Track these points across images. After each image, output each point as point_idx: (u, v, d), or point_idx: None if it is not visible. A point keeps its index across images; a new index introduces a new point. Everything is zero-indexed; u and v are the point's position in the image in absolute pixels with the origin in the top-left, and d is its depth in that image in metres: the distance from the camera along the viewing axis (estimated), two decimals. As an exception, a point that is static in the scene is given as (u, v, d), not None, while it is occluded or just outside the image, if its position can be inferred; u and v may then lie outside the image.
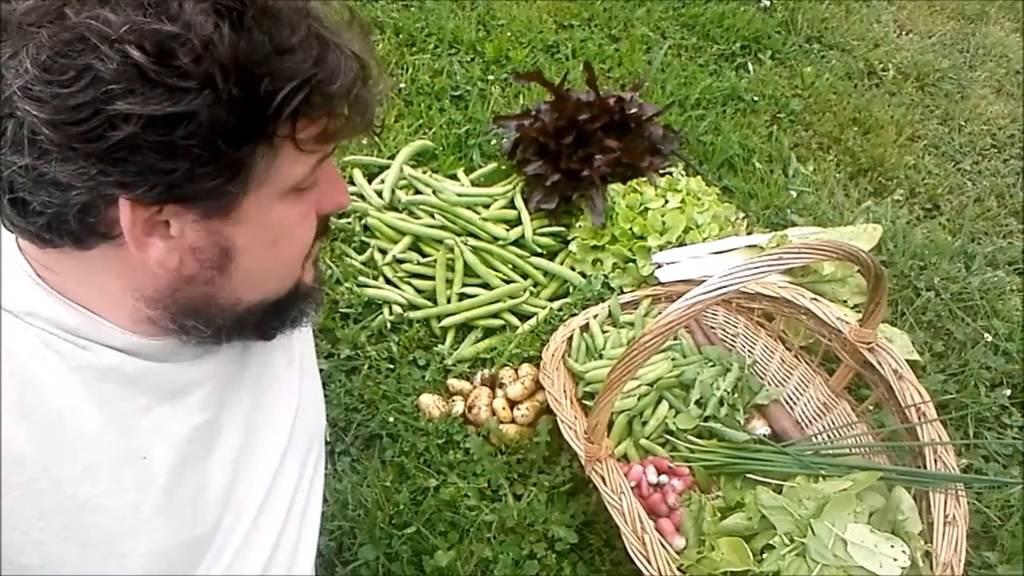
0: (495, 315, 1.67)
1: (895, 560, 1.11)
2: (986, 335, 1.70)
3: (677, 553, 1.22)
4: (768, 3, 2.76)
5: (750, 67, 2.51)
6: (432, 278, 1.71)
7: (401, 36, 2.46)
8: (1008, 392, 1.59)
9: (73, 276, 0.64)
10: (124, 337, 0.66)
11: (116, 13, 0.51)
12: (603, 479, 1.18)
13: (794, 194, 2.03)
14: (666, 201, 1.79)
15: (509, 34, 2.48)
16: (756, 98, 2.35)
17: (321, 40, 0.58)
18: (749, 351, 1.61)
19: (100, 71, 0.51)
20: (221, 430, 0.78)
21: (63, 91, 0.51)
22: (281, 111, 0.56)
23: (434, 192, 1.84)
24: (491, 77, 2.33)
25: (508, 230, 1.79)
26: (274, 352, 0.84)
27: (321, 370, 1.50)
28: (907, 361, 1.37)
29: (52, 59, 0.51)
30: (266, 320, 0.73)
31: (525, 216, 1.82)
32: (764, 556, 1.16)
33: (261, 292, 0.70)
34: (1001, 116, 2.41)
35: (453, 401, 1.52)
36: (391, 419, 1.46)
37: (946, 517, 1.16)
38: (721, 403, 1.45)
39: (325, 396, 1.46)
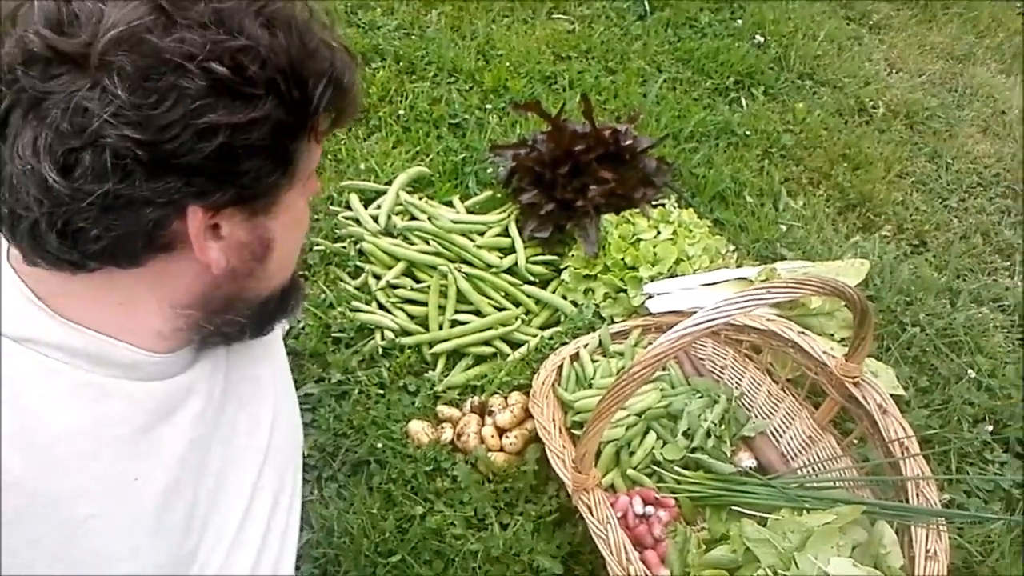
0: (486, 342, 1.69)
1: (876, 595, 1.13)
2: (970, 371, 1.72)
3: (661, 585, 1.23)
4: (762, 39, 2.81)
5: (743, 102, 2.55)
6: (425, 304, 1.73)
7: (401, 64, 2.49)
8: (990, 428, 1.61)
9: (84, 298, 0.65)
10: (132, 355, 0.68)
11: (193, 34, 0.56)
12: (590, 509, 1.19)
13: (784, 228, 2.06)
14: (658, 232, 1.82)
15: (508, 64, 2.53)
16: (748, 132, 2.39)
17: (324, 41, 0.64)
18: (737, 383, 1.62)
19: (187, 89, 0.55)
20: (211, 447, 0.79)
21: (153, 112, 0.55)
22: (320, 106, 0.63)
23: (429, 219, 1.87)
24: (489, 106, 2.36)
25: (502, 258, 1.82)
26: (251, 365, 0.85)
27: (311, 394, 1.52)
28: (892, 396, 1.39)
29: (138, 83, 0.55)
30: (274, 310, 0.79)
31: (519, 244, 1.84)
32: (747, 589, 1.17)
33: (280, 278, 0.76)
34: (987, 155, 2.46)
35: (442, 428, 1.53)
36: (379, 445, 1.47)
37: (927, 552, 1.17)
38: (708, 435, 1.46)
39: (314, 421, 1.48)
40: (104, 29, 0.54)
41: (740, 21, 2.91)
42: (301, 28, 0.62)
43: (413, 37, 2.62)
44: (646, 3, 2.92)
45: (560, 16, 2.87)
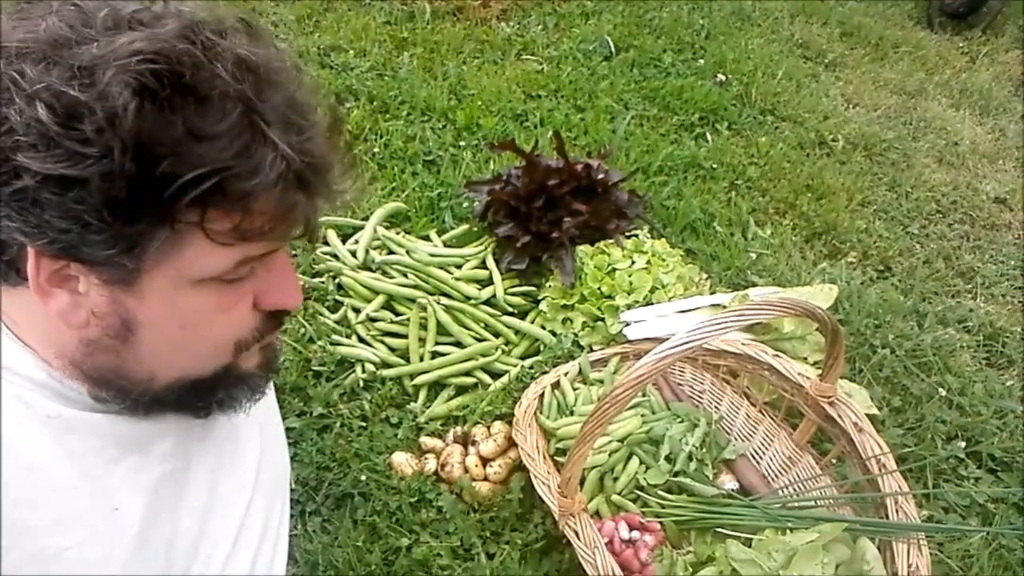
0: (467, 373, 1.69)
1: (863, 609, 1.14)
2: (940, 390, 1.77)
3: (651, 608, 1.22)
4: (724, 78, 2.92)
5: (708, 137, 2.63)
6: (405, 336, 1.73)
7: (375, 103, 2.54)
8: (963, 444, 1.65)
9: (21, 321, 0.64)
10: (79, 395, 0.66)
11: (39, 71, 0.53)
12: (577, 534, 1.19)
13: (753, 256, 2.11)
14: (633, 262, 1.85)
15: (479, 103, 2.58)
16: (715, 166, 2.46)
17: (255, 133, 0.56)
18: (716, 407, 1.65)
19: (13, 121, 0.53)
20: (189, 478, 0.78)
21: None
22: (181, 196, 0.54)
23: (407, 252, 1.88)
24: (462, 143, 2.41)
25: (480, 290, 1.83)
26: None
27: (293, 428, 1.51)
28: (867, 415, 1.42)
29: None
30: (187, 399, 0.71)
31: (496, 276, 1.86)
32: (736, 609, 1.17)
33: (176, 369, 0.68)
34: (944, 184, 2.56)
35: (426, 459, 1.52)
36: (363, 478, 1.46)
37: (910, 567, 1.19)
38: (690, 458, 1.47)
39: (297, 455, 1.47)
40: None
41: (702, 61, 3.02)
42: (201, 106, 0.54)
43: (386, 78, 2.68)
44: (611, 44, 3.02)
45: (529, 57, 2.95)
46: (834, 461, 1.48)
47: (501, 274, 1.87)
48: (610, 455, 1.48)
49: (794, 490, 1.49)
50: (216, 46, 0.56)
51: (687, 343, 1.05)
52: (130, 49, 0.53)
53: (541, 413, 1.57)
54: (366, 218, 2.01)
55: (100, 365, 0.65)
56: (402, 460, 1.50)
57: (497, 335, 1.78)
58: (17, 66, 0.53)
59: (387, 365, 1.69)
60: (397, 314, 1.79)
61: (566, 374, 1.63)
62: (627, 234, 1.97)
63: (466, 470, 1.49)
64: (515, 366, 1.71)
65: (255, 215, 0.58)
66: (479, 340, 1.75)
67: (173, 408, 0.71)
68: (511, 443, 1.52)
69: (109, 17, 0.56)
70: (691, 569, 1.31)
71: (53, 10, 0.56)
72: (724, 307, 1.78)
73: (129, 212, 0.55)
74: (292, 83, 0.61)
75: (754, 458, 1.56)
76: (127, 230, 0.56)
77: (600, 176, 2.00)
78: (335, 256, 1.91)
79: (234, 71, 0.56)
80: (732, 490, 1.47)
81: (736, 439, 1.59)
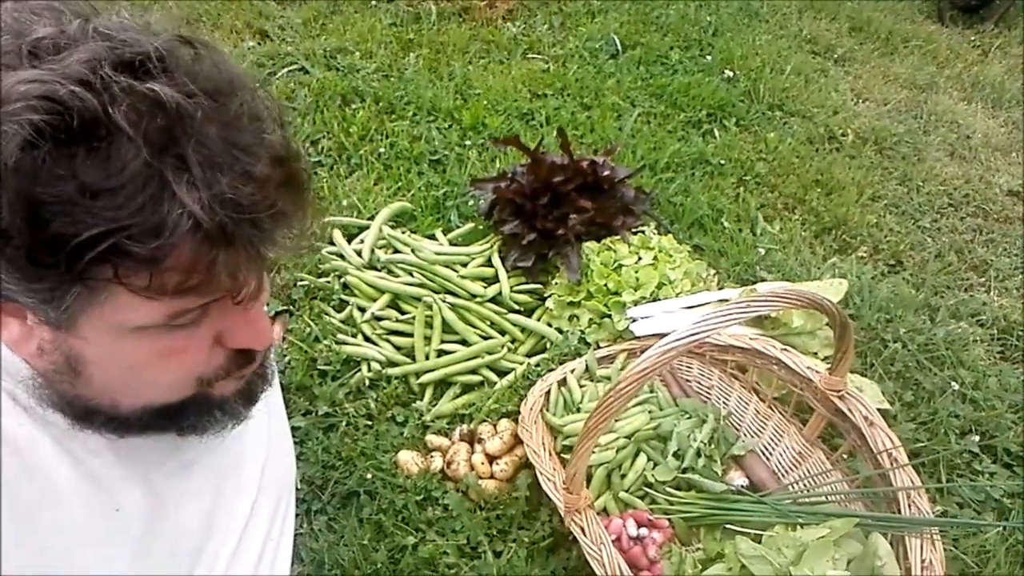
0: (473, 371, 1.68)
1: (875, 605, 1.12)
2: (953, 384, 1.74)
3: (659, 605, 1.21)
4: (731, 74, 2.90)
5: (716, 133, 2.61)
6: (410, 335, 1.73)
7: (381, 104, 2.54)
8: (977, 439, 1.62)
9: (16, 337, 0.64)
10: None
11: None
12: (583, 530, 1.18)
13: (762, 251, 2.09)
14: (639, 258, 1.84)
15: (485, 102, 2.58)
16: (723, 162, 2.44)
17: (161, 184, 0.49)
18: (724, 402, 1.63)
19: None
20: (194, 478, 0.78)
21: None
22: (81, 256, 0.49)
23: (413, 251, 1.88)
24: (468, 142, 2.40)
25: (486, 287, 1.82)
26: None
27: (299, 427, 1.51)
28: (878, 410, 1.39)
29: None
30: (158, 423, 0.68)
31: (502, 274, 1.85)
32: (745, 605, 1.16)
33: (138, 400, 0.65)
34: (955, 177, 2.53)
35: (432, 457, 1.51)
36: (369, 476, 1.45)
37: (923, 562, 1.17)
38: (698, 454, 1.46)
39: (302, 454, 1.47)
40: None
41: (709, 57, 3.00)
42: (96, 158, 0.48)
43: (392, 79, 2.68)
44: (617, 42, 3.01)
45: (535, 56, 2.95)
46: (845, 456, 1.46)
47: (507, 272, 1.86)
48: (617, 452, 1.47)
49: (804, 486, 1.46)
50: (116, 84, 0.49)
51: (692, 336, 1.04)
52: (16, 93, 0.47)
53: (547, 410, 1.56)
54: (372, 217, 2.01)
55: (60, 392, 0.63)
56: (408, 458, 1.49)
57: (503, 333, 1.77)
58: None
59: (393, 364, 1.68)
60: (403, 313, 1.78)
61: (573, 371, 1.62)
62: (634, 230, 1.96)
63: (472, 468, 1.48)
64: (521, 364, 1.70)
65: (167, 273, 0.52)
66: (485, 338, 1.74)
67: (144, 431, 0.68)
68: (517, 441, 1.51)
69: (11, 45, 0.50)
70: (700, 566, 1.29)
71: None
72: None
73: (30, 270, 0.51)
74: (227, 115, 0.53)
75: (764, 454, 1.54)
76: (35, 287, 0.52)
77: (606, 173, 1.98)
78: (341, 255, 1.90)
79: (138, 113, 0.49)
80: (742, 486, 1.45)
81: (745, 435, 1.57)
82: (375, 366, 1.66)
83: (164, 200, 0.49)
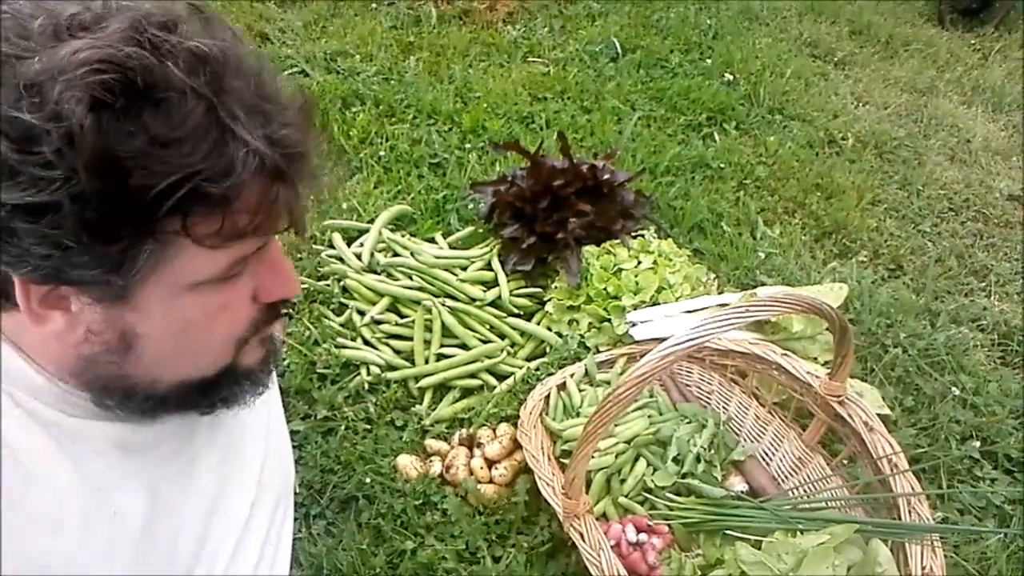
0: (473, 375, 1.68)
1: (875, 612, 1.11)
2: (954, 389, 1.73)
3: (658, 611, 1.20)
4: (731, 78, 2.90)
5: (716, 137, 2.61)
6: (410, 339, 1.73)
7: (381, 107, 2.54)
8: (978, 444, 1.62)
9: (23, 336, 0.64)
10: (75, 399, 0.66)
11: None
12: (582, 535, 1.17)
13: (762, 256, 2.09)
14: (639, 262, 1.84)
15: (485, 106, 2.58)
16: (723, 165, 2.44)
17: (222, 130, 0.53)
18: (724, 407, 1.62)
19: None
20: (192, 482, 0.78)
21: None
22: (158, 207, 0.52)
23: (412, 254, 1.88)
24: (468, 146, 2.40)
25: (485, 291, 1.82)
26: None
27: (297, 431, 1.50)
28: (879, 416, 1.39)
29: None
30: (193, 399, 0.70)
31: (502, 277, 1.85)
32: (745, 612, 1.15)
33: (180, 373, 0.67)
34: (956, 181, 2.52)
35: (431, 461, 1.51)
36: (368, 480, 1.45)
37: (924, 569, 1.16)
38: (698, 460, 1.45)
39: (301, 458, 1.46)
40: None
41: (709, 61, 3.00)
42: (160, 111, 0.51)
43: (392, 82, 2.68)
44: (618, 46, 3.01)
45: (535, 60, 2.95)
46: (845, 462, 1.46)
47: (506, 275, 1.86)
48: (617, 456, 1.47)
49: (804, 491, 1.46)
50: (165, 43, 0.52)
51: (692, 340, 1.03)
52: (75, 60, 0.49)
53: (547, 415, 1.55)
54: (371, 221, 2.01)
55: (102, 375, 0.64)
56: (407, 463, 1.48)
57: (503, 337, 1.77)
58: None
59: (392, 368, 1.68)
60: (402, 316, 1.78)
61: (572, 375, 1.62)
62: (633, 234, 1.96)
63: (471, 472, 1.48)
64: (521, 368, 1.70)
65: (237, 214, 0.56)
66: (484, 342, 1.74)
67: (177, 409, 0.70)
68: (517, 445, 1.51)
69: (47, 25, 0.52)
70: (700, 572, 1.29)
71: None
72: (732, 307, 1.76)
73: (107, 231, 0.53)
74: (256, 69, 0.57)
75: (764, 459, 1.54)
76: (109, 249, 0.54)
77: (606, 176, 1.98)
78: (340, 259, 1.90)
79: (189, 67, 0.52)
80: (741, 492, 1.44)
81: (745, 440, 1.57)
82: (374, 370, 1.66)
83: (228, 142, 0.53)
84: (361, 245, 1.93)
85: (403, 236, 1.97)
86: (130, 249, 0.54)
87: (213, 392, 0.71)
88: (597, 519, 1.36)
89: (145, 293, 0.58)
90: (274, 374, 0.82)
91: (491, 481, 1.48)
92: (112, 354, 0.62)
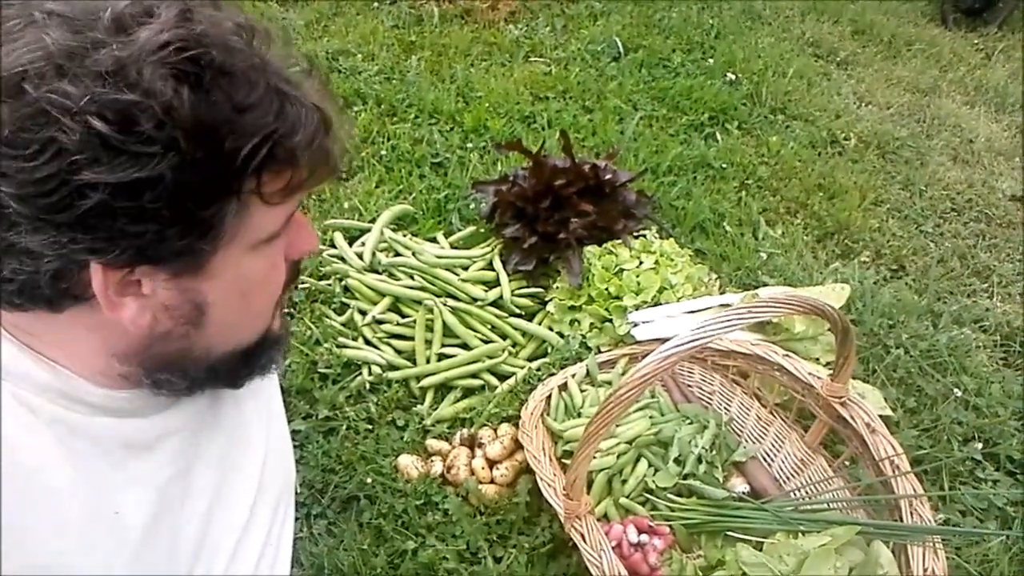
0: (474, 375, 1.68)
1: (876, 614, 1.11)
2: (956, 390, 1.73)
3: (659, 613, 1.20)
4: (733, 77, 2.90)
5: (718, 136, 2.61)
6: (411, 339, 1.72)
7: (383, 107, 2.54)
8: (980, 446, 1.61)
9: (46, 336, 0.64)
10: (98, 391, 0.66)
11: (75, 85, 0.51)
12: (583, 536, 1.17)
13: (764, 256, 2.09)
14: (640, 262, 1.83)
15: (487, 105, 2.58)
16: (725, 165, 2.44)
17: (280, 94, 0.59)
18: (726, 408, 1.62)
19: (64, 143, 0.51)
20: (193, 481, 0.77)
21: (28, 165, 0.51)
22: (246, 168, 0.57)
23: (414, 254, 1.88)
24: (470, 145, 2.40)
25: (487, 291, 1.82)
26: (242, 402, 0.84)
27: (299, 431, 1.50)
28: (881, 417, 1.39)
29: (15, 134, 0.51)
30: (237, 368, 0.73)
31: (503, 277, 1.85)
32: (746, 613, 1.15)
33: (232, 342, 0.70)
34: (958, 181, 2.52)
35: (432, 462, 1.51)
36: (369, 480, 1.45)
37: (925, 570, 1.16)
38: (700, 460, 1.45)
39: (302, 457, 1.46)
40: None
41: (712, 60, 3.00)
42: (234, 80, 0.56)
43: (394, 81, 2.68)
44: (620, 45, 3.00)
45: (537, 59, 2.95)
46: (847, 463, 1.46)
47: (508, 275, 1.86)
48: (618, 457, 1.46)
49: (806, 492, 1.46)
50: (218, 21, 0.58)
51: (693, 341, 1.03)
52: (159, 41, 0.53)
53: (548, 415, 1.55)
54: (373, 220, 2.01)
55: (168, 352, 0.66)
56: (408, 463, 1.48)
57: (504, 337, 1.77)
58: (48, 86, 0.51)
59: (393, 367, 1.68)
60: (403, 316, 1.78)
61: (574, 376, 1.62)
62: (635, 234, 1.95)
63: (472, 473, 1.48)
64: (522, 368, 1.70)
65: (301, 168, 0.62)
66: (486, 342, 1.74)
67: (218, 382, 0.74)
68: (518, 446, 1.51)
69: (111, 19, 0.55)
70: (701, 573, 1.28)
71: (40, 24, 0.53)
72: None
73: (203, 196, 0.57)
74: (276, 37, 0.63)
75: (765, 460, 1.54)
76: (203, 214, 0.58)
77: (608, 176, 1.98)
78: (342, 258, 1.90)
79: (243, 40, 0.58)
80: (743, 493, 1.44)
81: (747, 441, 1.57)
82: (376, 370, 1.66)
83: (289, 104, 0.59)
84: (363, 245, 1.93)
85: (405, 236, 1.97)
86: (218, 213, 0.58)
87: (253, 359, 0.74)
88: (598, 520, 1.36)
89: (219, 258, 0.61)
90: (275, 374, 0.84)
91: (492, 481, 1.48)
92: (185, 326, 0.65)
